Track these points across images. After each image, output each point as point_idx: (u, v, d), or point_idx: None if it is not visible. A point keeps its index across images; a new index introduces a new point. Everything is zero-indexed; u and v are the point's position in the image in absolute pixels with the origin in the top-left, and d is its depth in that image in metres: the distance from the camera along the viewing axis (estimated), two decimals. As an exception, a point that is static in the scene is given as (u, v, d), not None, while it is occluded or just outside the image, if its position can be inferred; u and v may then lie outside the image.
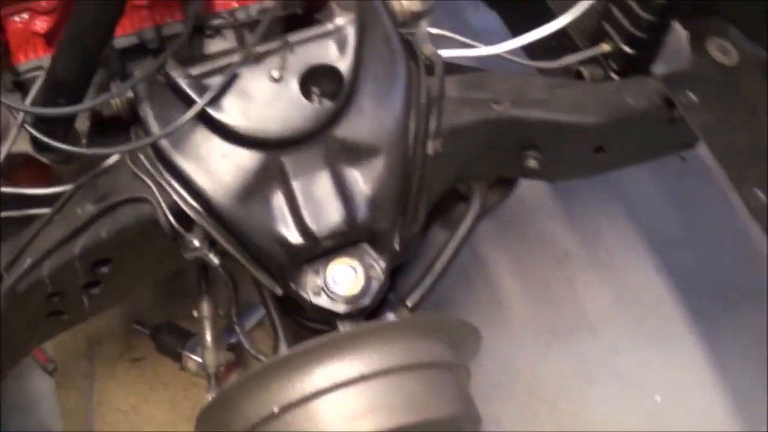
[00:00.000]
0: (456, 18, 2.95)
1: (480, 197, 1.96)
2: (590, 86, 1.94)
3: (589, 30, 2.04)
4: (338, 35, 1.70)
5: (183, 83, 1.64)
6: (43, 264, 1.64)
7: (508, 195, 2.03)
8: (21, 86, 1.76)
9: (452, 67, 1.88)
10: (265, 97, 1.65)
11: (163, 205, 1.65)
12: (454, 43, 2.01)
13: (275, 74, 1.64)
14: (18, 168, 1.83)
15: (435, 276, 1.90)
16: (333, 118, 1.67)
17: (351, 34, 1.70)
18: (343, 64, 1.67)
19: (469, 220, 1.95)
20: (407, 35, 1.80)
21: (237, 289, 1.81)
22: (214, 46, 1.81)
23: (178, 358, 2.35)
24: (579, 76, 2.05)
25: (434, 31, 1.88)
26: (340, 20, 1.72)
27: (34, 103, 1.67)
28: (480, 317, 2.35)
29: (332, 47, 1.69)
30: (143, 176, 1.66)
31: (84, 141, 1.77)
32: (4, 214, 1.78)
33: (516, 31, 2.34)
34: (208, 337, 2.00)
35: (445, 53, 1.86)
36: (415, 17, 1.82)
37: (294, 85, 1.65)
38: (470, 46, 1.95)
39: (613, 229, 2.80)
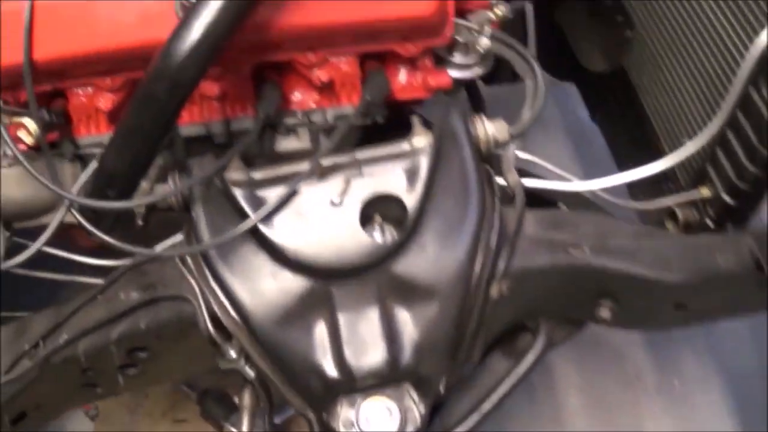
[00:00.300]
0: (566, 110, 2.75)
1: (546, 333, 1.79)
2: (680, 239, 1.75)
3: (693, 168, 1.84)
4: (411, 161, 1.55)
5: (238, 195, 1.51)
6: (79, 342, 1.55)
7: (577, 333, 1.85)
8: (81, 159, 1.65)
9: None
10: (321, 222, 1.51)
11: (205, 311, 1.54)
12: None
13: (336, 200, 1.49)
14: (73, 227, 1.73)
15: (482, 415, 1.73)
16: (391, 253, 1.50)
17: (424, 164, 1.54)
18: (410, 198, 1.51)
19: (531, 358, 1.78)
20: (492, 155, 1.65)
21: (272, 401, 1.68)
22: (286, 143, 1.67)
23: (220, 427, 2.23)
24: (673, 216, 1.86)
25: (523, 156, 1.70)
26: (417, 141, 1.57)
27: (84, 189, 1.59)
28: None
29: (401, 176, 1.53)
30: (189, 277, 1.55)
31: (139, 222, 1.64)
32: (52, 276, 1.73)
33: (618, 149, 2.19)
34: (245, 429, 1.86)
35: (531, 183, 1.67)
36: (502, 144, 1.65)
37: (354, 214, 1.51)
38: (561, 177, 1.75)
39: (690, 356, 2.63)
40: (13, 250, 1.69)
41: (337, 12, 1.50)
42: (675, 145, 1.88)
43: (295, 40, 1.54)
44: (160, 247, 1.64)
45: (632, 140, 2.07)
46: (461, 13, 1.73)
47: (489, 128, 1.62)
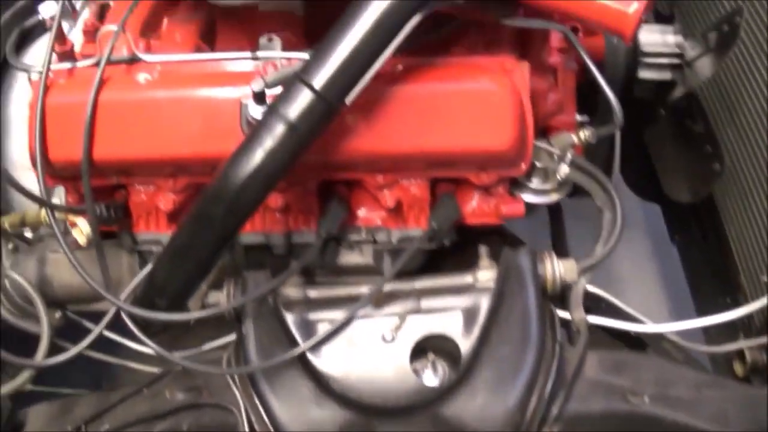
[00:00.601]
0: (646, 226, 2.61)
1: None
2: (741, 390, 1.62)
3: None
4: (472, 299, 1.45)
5: (289, 320, 1.44)
6: (118, 434, 1.50)
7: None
8: (139, 253, 1.61)
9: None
10: (371, 356, 1.43)
11: (246, 425, 1.45)
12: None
13: (388, 336, 1.42)
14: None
15: None
16: (439, 396, 1.42)
17: (485, 305, 1.44)
18: (466, 343, 1.42)
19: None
20: (559, 285, 1.54)
21: None
22: (348, 257, 1.60)
23: None
24: (741, 356, 1.75)
25: (593, 290, 1.60)
26: (482, 275, 1.48)
27: (134, 292, 1.53)
28: None
29: (459, 317, 1.44)
30: (235, 389, 1.48)
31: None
32: (104, 357, 1.68)
33: (694, 274, 2.08)
34: None
35: (599, 322, 1.58)
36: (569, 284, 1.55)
37: (405, 353, 1.42)
38: (631, 317, 1.64)
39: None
40: (66, 327, 1.66)
41: (409, 141, 1.43)
42: (754, 281, 1.78)
43: (365, 164, 1.47)
44: (209, 346, 1.59)
45: (711, 266, 1.95)
46: (545, 130, 1.65)
47: (557, 267, 1.52)
